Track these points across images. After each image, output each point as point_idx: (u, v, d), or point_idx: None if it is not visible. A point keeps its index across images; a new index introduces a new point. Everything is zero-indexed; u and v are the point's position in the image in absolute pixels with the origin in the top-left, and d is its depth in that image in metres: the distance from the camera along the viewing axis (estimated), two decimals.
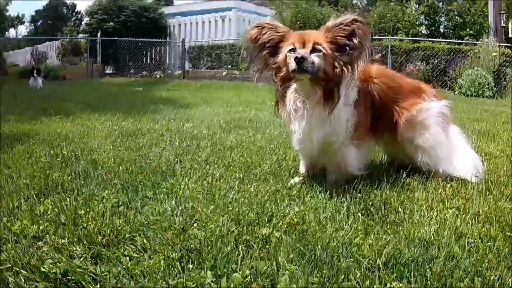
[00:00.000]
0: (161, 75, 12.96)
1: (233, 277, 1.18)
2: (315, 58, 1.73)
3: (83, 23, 17.42)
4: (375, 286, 1.14)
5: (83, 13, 19.17)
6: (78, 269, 1.21)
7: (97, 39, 13.53)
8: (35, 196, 1.79)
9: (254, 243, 1.42)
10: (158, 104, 5.72)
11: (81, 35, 15.89)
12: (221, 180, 2.12)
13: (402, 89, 2.13)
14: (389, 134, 2.17)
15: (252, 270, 1.22)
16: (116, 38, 13.46)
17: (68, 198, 1.77)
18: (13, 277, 1.17)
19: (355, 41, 1.74)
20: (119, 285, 1.17)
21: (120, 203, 1.78)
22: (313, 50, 1.75)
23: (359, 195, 1.85)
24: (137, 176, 2.14)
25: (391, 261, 1.27)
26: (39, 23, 37.56)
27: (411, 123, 2.08)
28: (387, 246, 1.34)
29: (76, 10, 37.78)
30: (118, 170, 2.22)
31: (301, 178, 2.16)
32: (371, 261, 1.27)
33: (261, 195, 1.89)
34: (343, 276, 1.18)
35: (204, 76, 12.37)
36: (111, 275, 1.20)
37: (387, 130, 2.15)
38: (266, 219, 1.63)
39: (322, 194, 1.90)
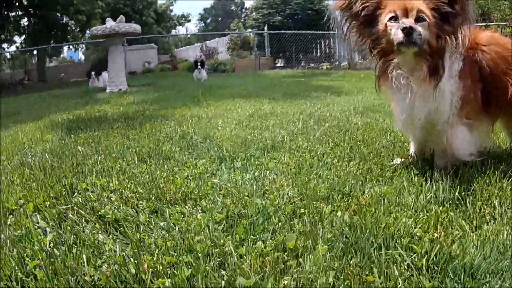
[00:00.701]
0: (328, 66, 13.17)
1: (255, 246, 1.11)
2: (422, 29, 1.54)
3: (250, 18, 18.47)
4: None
5: (251, 9, 20.67)
6: (129, 217, 1.38)
7: (264, 33, 14.68)
8: (136, 161, 2.14)
9: (307, 218, 1.29)
10: (311, 91, 5.86)
11: (249, 30, 17.57)
12: (321, 157, 2.03)
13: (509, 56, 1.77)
14: (505, 112, 1.86)
15: (280, 242, 1.12)
16: (282, 32, 14.32)
17: (164, 164, 2.04)
18: (74, 215, 1.45)
19: (457, 7, 1.56)
20: (154, 233, 1.27)
21: (208, 170, 1.93)
22: (418, 19, 1.56)
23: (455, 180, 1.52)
24: (237, 150, 2.26)
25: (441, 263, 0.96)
26: (208, 20, 42.31)
27: None
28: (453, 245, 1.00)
29: (244, 6, 42.03)
30: (223, 144, 2.40)
31: (403, 159, 1.95)
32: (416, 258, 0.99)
33: (349, 173, 1.71)
34: (367, 269, 0.98)
35: (372, 67, 11.97)
36: (154, 224, 1.32)
37: (502, 107, 1.83)
38: (339, 197, 1.48)
39: (417, 178, 1.63)
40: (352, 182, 1.60)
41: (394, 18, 1.58)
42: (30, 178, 1.92)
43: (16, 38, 19.91)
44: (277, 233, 1.21)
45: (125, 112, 4.25)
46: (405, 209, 1.32)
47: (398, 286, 0.91)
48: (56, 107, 5.35)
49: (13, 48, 19.69)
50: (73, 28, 17.91)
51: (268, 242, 1.13)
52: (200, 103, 4.58)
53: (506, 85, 1.75)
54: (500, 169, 1.66)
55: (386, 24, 1.59)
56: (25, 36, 18.84)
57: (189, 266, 1.03)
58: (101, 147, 2.52)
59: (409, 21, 1.54)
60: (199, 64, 9.44)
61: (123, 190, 1.66)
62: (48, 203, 1.55)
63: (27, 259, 1.12)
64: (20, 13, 17.27)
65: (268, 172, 1.85)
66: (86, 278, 1.00)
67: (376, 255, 1.02)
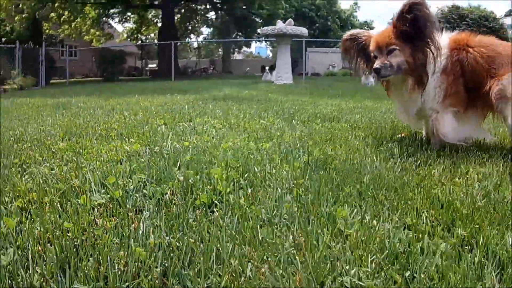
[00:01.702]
0: None
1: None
2: (392, 59, 2.05)
3: None
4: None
5: None
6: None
7: None
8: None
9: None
10: None
11: None
12: None
13: (500, 57, 2.03)
14: (482, 103, 2.12)
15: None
16: None
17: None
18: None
19: (420, 24, 1.94)
20: None
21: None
22: (389, 52, 2.06)
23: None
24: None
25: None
26: None
27: (502, 96, 1.98)
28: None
29: None
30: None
31: (403, 135, 2.50)
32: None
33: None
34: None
35: None
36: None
37: (480, 99, 2.10)
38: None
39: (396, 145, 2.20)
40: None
41: (375, 56, 2.12)
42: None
43: (203, 29, 24.78)
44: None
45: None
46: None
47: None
48: (218, 90, 7.17)
49: (200, 38, 24.32)
50: (261, 25, 20.52)
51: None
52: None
53: (484, 80, 2.02)
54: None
55: (373, 60, 2.14)
56: (212, 28, 23.17)
57: None
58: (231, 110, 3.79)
59: (380, 61, 2.05)
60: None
61: None
62: None
63: None
64: (208, 6, 21.34)
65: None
66: None
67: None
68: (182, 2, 21.26)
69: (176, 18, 23.44)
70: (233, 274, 0.85)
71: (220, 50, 26.92)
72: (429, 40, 1.96)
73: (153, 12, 23.29)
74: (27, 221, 1.20)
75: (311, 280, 0.82)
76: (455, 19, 15.74)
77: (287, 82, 8.98)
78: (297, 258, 0.91)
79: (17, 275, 0.90)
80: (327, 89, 7.28)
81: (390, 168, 1.73)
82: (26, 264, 0.95)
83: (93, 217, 1.21)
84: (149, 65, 29.61)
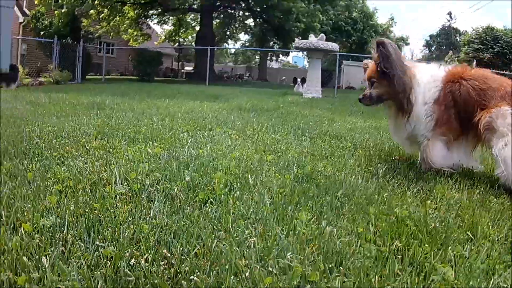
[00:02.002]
0: None
1: None
2: (373, 90, 2.48)
3: (462, 52, 19.06)
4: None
5: (463, 42, 20.06)
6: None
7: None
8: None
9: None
10: None
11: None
12: None
13: (491, 90, 2.28)
14: (473, 133, 2.37)
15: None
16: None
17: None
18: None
19: (384, 61, 2.33)
20: None
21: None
22: (371, 84, 2.50)
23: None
24: None
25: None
26: (433, 48, 46.41)
27: (489, 128, 2.22)
28: None
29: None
30: None
31: (398, 158, 2.85)
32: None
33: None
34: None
35: None
36: None
37: (470, 129, 2.36)
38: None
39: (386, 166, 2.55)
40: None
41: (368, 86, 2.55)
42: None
43: (241, 36, 25.59)
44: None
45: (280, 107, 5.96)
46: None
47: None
48: (247, 98, 7.62)
49: (237, 45, 25.17)
50: (298, 35, 21.01)
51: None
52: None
53: (475, 111, 2.31)
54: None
55: None
56: (251, 35, 23.85)
57: None
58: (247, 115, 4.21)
59: (366, 91, 2.50)
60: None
61: None
62: None
63: None
64: (247, 13, 21.95)
65: None
66: None
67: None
68: (221, 8, 22.07)
69: (215, 23, 24.37)
70: (204, 247, 1.24)
71: (257, 57, 27.79)
72: (394, 75, 2.32)
73: (192, 15, 24.22)
74: (65, 199, 1.63)
75: (256, 257, 1.19)
76: (489, 40, 15.67)
77: (316, 95, 9.37)
78: (253, 241, 1.28)
79: (55, 233, 1.32)
80: (353, 105, 7.60)
81: (367, 186, 2.07)
82: (62, 228, 1.36)
83: (115, 202, 1.63)
84: (186, 68, 30.80)
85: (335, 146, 3.16)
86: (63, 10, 19.83)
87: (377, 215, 1.64)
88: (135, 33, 24.07)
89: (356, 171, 2.35)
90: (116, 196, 1.70)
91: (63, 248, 1.23)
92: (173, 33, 25.75)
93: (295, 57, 36.94)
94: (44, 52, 19.43)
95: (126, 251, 1.19)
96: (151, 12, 23.16)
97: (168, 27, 26.25)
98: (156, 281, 1.06)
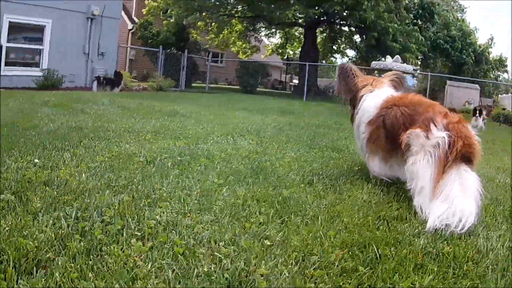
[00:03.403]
0: None
1: None
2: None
3: None
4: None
5: None
6: None
7: None
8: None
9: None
10: None
11: None
12: None
13: (417, 115, 2.97)
14: (398, 151, 3.11)
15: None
16: None
17: None
18: None
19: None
20: None
21: None
22: None
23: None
24: None
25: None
26: None
27: (406, 147, 2.92)
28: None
29: None
30: None
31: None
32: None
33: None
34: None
35: None
36: None
37: (397, 148, 3.09)
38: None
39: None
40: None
41: None
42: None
43: (348, 51, 26.60)
44: None
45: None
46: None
47: None
48: (324, 117, 9.01)
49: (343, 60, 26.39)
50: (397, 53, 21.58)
51: None
52: None
53: (400, 132, 3.08)
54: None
55: None
56: (357, 51, 24.75)
57: None
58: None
59: None
60: (477, 112, 11.47)
61: None
62: None
63: None
64: (353, 29, 22.92)
65: None
66: None
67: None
68: (325, 23, 23.78)
69: (321, 37, 26.26)
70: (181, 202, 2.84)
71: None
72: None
73: (300, 29, 26.31)
74: (109, 160, 3.37)
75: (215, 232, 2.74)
76: None
77: None
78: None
79: (99, 171, 3.04)
80: None
81: (327, 197, 3.44)
82: (103, 168, 3.07)
83: (132, 164, 3.32)
84: (294, 80, 33.15)
85: (328, 157, 4.51)
86: (171, 20, 23.30)
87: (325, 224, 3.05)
88: (243, 45, 27.05)
89: (322, 179, 3.73)
90: (134, 163, 3.38)
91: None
92: (280, 46, 28.26)
93: (405, 76, 38.02)
94: (151, 59, 22.97)
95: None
96: (258, 25, 25.76)
97: (276, 40, 28.90)
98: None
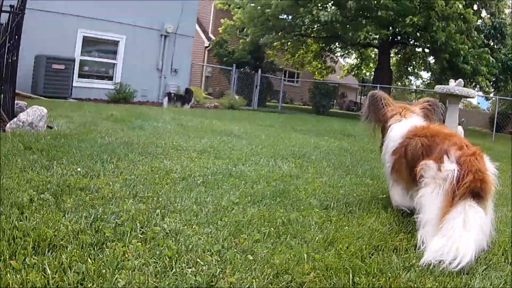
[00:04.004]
0: None
1: None
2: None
3: None
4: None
5: None
6: None
7: None
8: None
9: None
10: None
11: None
12: None
13: (435, 146, 3.12)
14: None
15: None
16: None
17: None
18: None
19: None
20: None
21: None
22: None
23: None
24: None
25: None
26: None
27: (420, 177, 3.03)
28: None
29: None
30: None
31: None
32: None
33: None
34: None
35: None
36: None
37: (415, 178, 3.15)
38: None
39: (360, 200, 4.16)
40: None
41: None
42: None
43: (423, 73, 26.18)
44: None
45: None
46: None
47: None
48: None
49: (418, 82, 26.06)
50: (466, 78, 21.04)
51: None
52: None
53: (417, 163, 3.25)
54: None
55: None
56: (431, 73, 24.36)
57: None
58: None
59: None
60: None
61: None
62: None
63: None
64: (426, 50, 22.60)
65: None
66: None
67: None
68: (399, 44, 23.88)
69: (396, 58, 26.32)
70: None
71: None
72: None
73: (375, 50, 26.55)
74: (149, 172, 3.90)
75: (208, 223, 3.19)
76: None
77: None
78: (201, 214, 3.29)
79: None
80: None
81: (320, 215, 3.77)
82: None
83: (169, 179, 3.83)
84: None
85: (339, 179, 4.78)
86: (247, 40, 24.43)
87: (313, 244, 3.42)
88: (319, 65, 27.78)
89: (322, 199, 4.04)
90: (168, 178, 3.88)
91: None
92: (355, 67, 28.58)
93: (479, 99, 36.39)
94: (226, 77, 24.09)
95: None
96: (333, 45, 26.33)
97: (351, 60, 29.25)
98: None
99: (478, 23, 22.60)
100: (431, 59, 25.48)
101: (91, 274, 1.81)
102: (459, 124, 17.10)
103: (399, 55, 27.21)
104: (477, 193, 2.72)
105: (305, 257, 2.32)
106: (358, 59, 29.05)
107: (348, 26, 20.54)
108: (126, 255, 2.05)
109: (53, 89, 12.99)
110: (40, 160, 3.73)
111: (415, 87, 30.28)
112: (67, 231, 2.24)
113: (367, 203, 3.73)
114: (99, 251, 2.07)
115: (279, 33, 23.39)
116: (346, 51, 28.35)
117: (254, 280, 1.99)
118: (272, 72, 25.09)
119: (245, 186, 3.77)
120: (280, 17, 22.64)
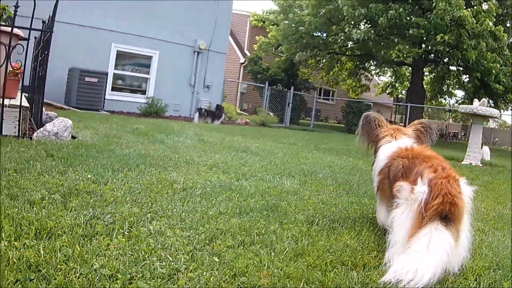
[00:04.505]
0: None
1: None
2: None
3: None
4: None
5: None
6: None
7: None
8: None
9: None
10: None
11: None
12: None
13: (413, 168, 3.25)
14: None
15: None
16: None
17: None
18: None
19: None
20: None
21: None
22: None
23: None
24: None
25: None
26: None
27: (395, 198, 3.16)
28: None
29: None
30: None
31: None
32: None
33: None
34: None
35: None
36: None
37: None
38: None
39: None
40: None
41: None
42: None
43: (457, 92, 26.23)
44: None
45: None
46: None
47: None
48: None
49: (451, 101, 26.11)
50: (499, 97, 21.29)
51: None
52: None
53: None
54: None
55: None
56: (465, 92, 24.34)
57: None
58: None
59: None
60: None
61: None
62: None
63: None
64: (461, 68, 22.63)
65: None
66: None
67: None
68: (433, 62, 24.10)
69: (430, 77, 26.52)
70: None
71: None
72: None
73: (410, 68, 26.83)
74: (154, 181, 4.43)
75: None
76: None
77: (474, 162, 10.78)
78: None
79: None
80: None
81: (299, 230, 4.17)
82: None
83: (171, 190, 4.34)
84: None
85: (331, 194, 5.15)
86: (282, 57, 25.15)
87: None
88: (353, 83, 28.26)
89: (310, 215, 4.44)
90: (171, 188, 4.38)
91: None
92: (390, 85, 28.90)
93: None
94: (260, 93, 24.75)
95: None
96: (368, 63, 26.77)
97: (386, 78, 29.60)
98: None
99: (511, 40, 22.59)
100: (465, 78, 25.57)
101: (75, 257, 2.30)
102: (484, 144, 17.18)
103: (433, 74, 27.41)
104: (445, 216, 2.83)
105: (267, 264, 2.65)
106: (393, 77, 29.42)
107: (380, 44, 20.92)
108: (109, 247, 2.54)
109: (86, 101, 13.87)
110: (58, 166, 4.30)
111: (449, 106, 30.21)
112: (65, 224, 2.76)
113: (353, 221, 4.03)
114: (88, 241, 2.57)
115: (314, 51, 23.96)
116: (381, 69, 28.77)
117: (211, 278, 2.37)
118: (305, 90, 25.63)
119: (239, 199, 4.19)
120: (314, 34, 23.19)
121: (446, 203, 2.82)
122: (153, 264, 2.42)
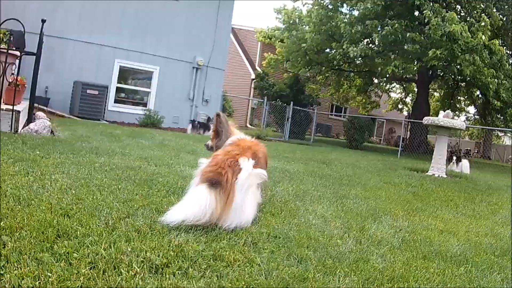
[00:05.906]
0: None
1: None
2: (210, 142, 4.95)
3: None
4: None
5: None
6: None
7: None
8: None
9: None
10: None
11: None
12: None
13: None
14: None
15: None
16: None
17: None
18: None
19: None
20: None
21: None
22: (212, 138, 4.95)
23: None
24: None
25: None
26: None
27: None
28: None
29: None
30: None
31: None
32: None
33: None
34: None
35: None
36: None
37: None
38: None
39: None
40: None
41: None
42: None
43: (469, 109, 28.05)
44: None
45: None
46: None
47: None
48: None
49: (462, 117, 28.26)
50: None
51: None
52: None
53: None
54: None
55: None
56: (476, 110, 26.09)
57: None
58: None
59: (207, 142, 5.01)
60: None
61: None
62: None
63: None
64: (463, 84, 25.33)
65: None
66: None
67: None
68: (437, 78, 25.85)
69: (439, 93, 28.30)
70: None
71: (484, 134, 31.36)
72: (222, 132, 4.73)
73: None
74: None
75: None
76: None
77: (437, 174, 11.98)
78: None
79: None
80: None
81: None
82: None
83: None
84: None
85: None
86: (291, 74, 27.47)
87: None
88: (363, 100, 30.31)
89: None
90: (95, 167, 6.77)
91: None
92: (399, 101, 30.82)
93: None
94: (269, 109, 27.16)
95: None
96: (377, 80, 28.81)
97: (396, 95, 31.54)
98: None
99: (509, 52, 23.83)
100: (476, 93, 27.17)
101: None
102: (463, 157, 18.56)
103: (443, 90, 29.05)
104: (209, 180, 3.68)
105: (200, 253, 3.09)
106: (403, 93, 31.38)
107: (378, 60, 22.76)
108: (93, 232, 3.23)
109: (88, 111, 16.60)
110: (23, 148, 6.75)
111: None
112: (6, 173, 5.22)
113: None
114: (75, 220, 3.56)
115: (317, 67, 26.11)
116: (391, 86, 30.72)
117: (151, 260, 4.59)
118: (310, 106, 27.87)
119: (133, 174, 6.58)
120: (317, 50, 25.25)
121: (210, 172, 3.76)
122: (117, 247, 3.23)
